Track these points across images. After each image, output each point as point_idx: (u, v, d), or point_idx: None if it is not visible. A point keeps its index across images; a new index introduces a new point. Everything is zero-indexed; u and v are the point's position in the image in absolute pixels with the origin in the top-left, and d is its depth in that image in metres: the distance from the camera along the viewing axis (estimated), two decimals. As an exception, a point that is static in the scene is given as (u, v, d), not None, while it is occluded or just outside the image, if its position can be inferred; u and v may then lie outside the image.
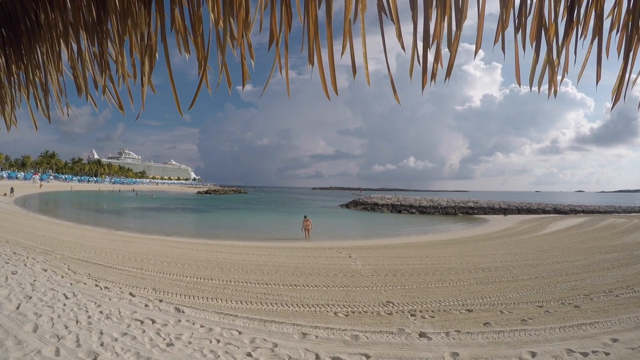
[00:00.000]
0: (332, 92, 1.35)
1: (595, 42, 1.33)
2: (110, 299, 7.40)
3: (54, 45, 1.92)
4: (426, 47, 1.26)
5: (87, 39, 1.81)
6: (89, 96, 1.89)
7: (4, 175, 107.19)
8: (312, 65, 1.32)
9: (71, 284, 8.37)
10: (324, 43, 1.33)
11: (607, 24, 1.35)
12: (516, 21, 1.30)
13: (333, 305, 7.89)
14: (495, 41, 1.30)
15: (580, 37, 1.35)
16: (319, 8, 1.29)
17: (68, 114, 2.11)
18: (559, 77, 1.39)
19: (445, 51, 1.32)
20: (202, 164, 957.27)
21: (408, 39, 1.25)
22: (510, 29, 1.31)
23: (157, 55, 1.63)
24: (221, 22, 1.40)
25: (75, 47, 1.86)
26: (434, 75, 1.32)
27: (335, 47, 1.30)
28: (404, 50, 1.25)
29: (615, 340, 6.03)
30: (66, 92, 2.07)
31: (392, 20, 1.22)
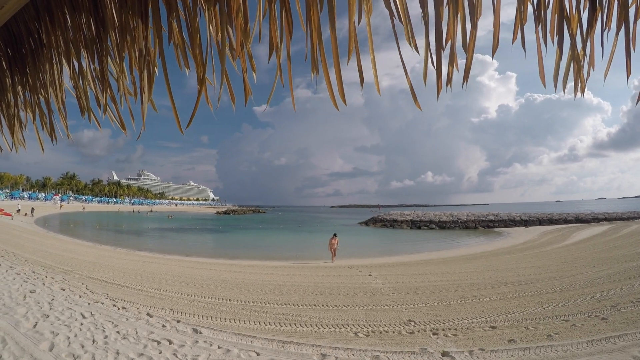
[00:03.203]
0: (342, 104, 1.25)
1: (621, 33, 1.20)
2: (127, 319, 7.35)
3: (55, 63, 1.89)
4: (439, 47, 1.14)
5: (87, 56, 1.77)
6: (92, 115, 1.85)
7: (25, 196, 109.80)
8: (317, 73, 1.23)
9: (89, 303, 8.36)
10: (330, 51, 1.24)
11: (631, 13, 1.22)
12: (535, 13, 1.18)
13: (353, 325, 7.71)
14: (514, 38, 1.18)
15: (605, 29, 1.23)
16: (320, 12, 1.20)
17: (69, 136, 2.07)
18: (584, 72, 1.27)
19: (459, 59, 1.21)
20: (221, 185, 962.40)
21: (421, 42, 1.15)
22: (529, 24, 1.19)
23: (156, 70, 1.57)
24: (219, 33, 1.33)
25: (76, 64, 1.83)
26: (449, 80, 1.20)
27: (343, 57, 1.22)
28: (417, 52, 1.14)
29: (645, 354, 5.76)
30: (66, 113, 2.04)
31: (400, 21, 1.12)
